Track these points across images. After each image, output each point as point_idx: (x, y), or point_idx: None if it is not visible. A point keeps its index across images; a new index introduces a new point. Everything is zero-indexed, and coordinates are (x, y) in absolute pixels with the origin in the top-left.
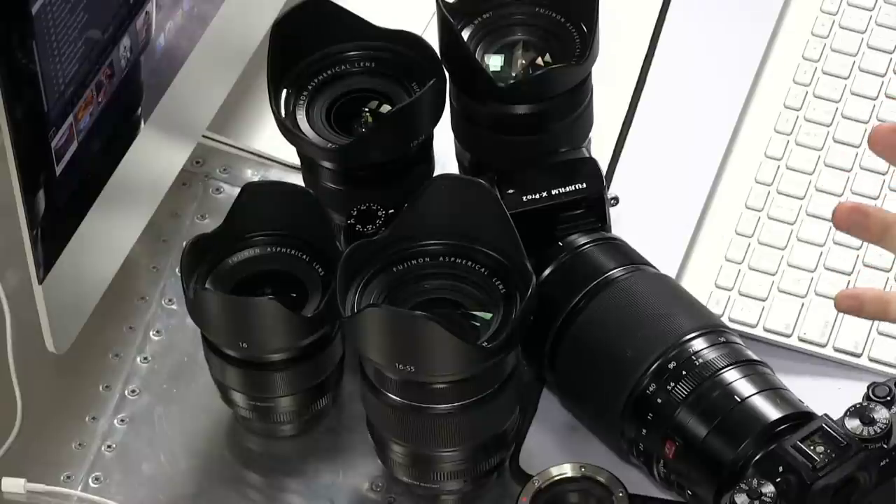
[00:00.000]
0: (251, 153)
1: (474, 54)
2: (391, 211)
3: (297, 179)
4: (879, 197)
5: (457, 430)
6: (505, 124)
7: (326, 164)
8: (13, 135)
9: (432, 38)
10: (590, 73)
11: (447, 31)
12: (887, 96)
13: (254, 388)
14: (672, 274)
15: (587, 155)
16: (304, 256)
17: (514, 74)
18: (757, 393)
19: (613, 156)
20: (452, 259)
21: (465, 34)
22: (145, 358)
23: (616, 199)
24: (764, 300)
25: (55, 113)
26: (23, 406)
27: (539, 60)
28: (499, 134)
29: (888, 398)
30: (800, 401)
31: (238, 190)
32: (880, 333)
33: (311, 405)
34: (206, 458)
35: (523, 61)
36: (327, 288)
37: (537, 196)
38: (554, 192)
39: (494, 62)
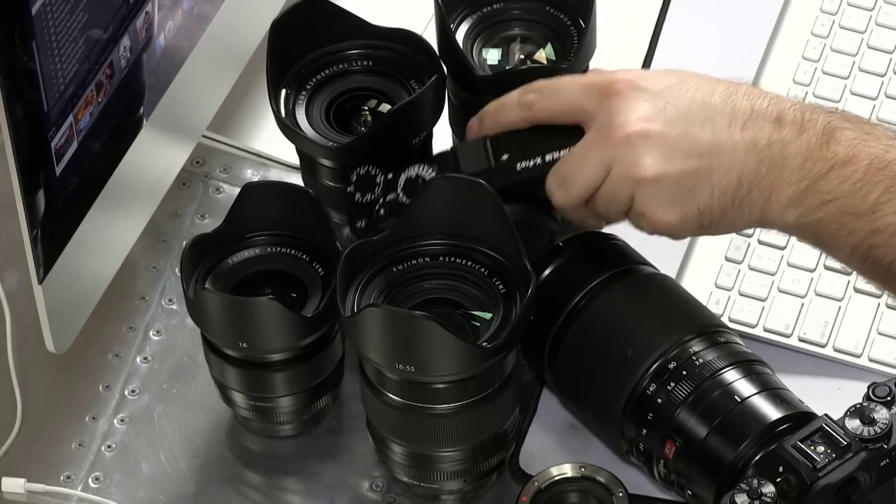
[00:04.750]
0: (251, 153)
1: (472, 48)
2: (390, 176)
3: (297, 179)
4: None
5: (457, 430)
6: None
7: (326, 163)
8: (13, 135)
9: (432, 37)
10: (586, 69)
11: (440, 24)
12: (887, 96)
13: (254, 388)
14: (672, 274)
15: None
16: (304, 256)
17: (509, 68)
18: (757, 393)
19: None
20: (452, 259)
21: (465, 28)
22: (145, 358)
23: None
24: (764, 300)
25: (55, 113)
26: (23, 406)
27: (537, 55)
28: None
29: (888, 398)
30: (800, 401)
31: (238, 190)
32: (880, 334)
33: (311, 405)
34: (206, 458)
35: (521, 55)
36: (327, 288)
37: (531, 164)
38: (548, 157)
39: (492, 56)
